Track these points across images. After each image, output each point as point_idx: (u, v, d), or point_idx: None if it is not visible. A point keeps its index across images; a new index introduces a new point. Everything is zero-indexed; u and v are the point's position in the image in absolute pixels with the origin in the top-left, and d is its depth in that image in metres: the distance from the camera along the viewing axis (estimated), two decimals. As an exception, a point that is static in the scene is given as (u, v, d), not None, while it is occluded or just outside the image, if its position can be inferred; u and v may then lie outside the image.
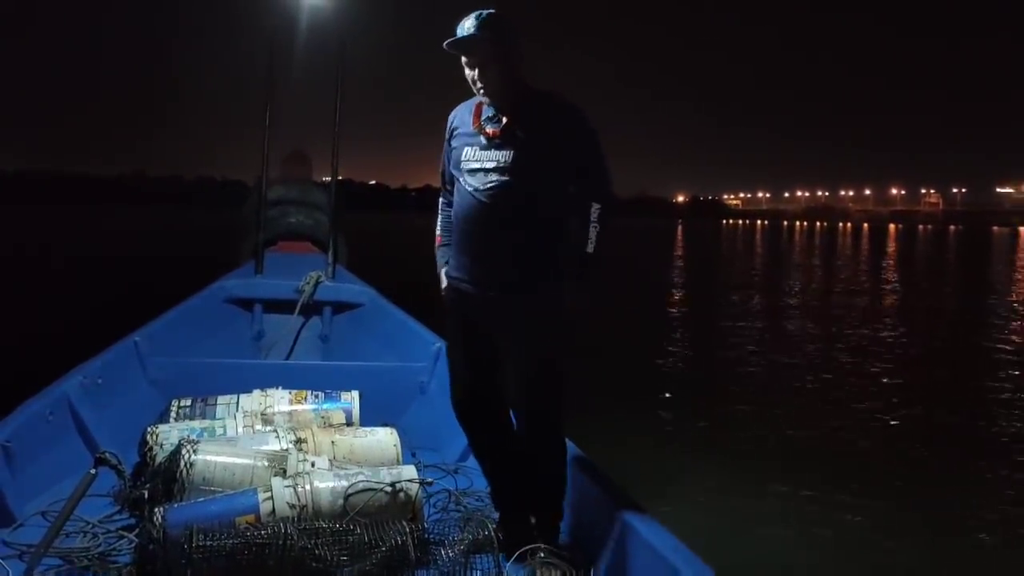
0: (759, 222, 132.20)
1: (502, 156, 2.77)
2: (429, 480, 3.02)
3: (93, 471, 2.99)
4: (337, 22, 6.00)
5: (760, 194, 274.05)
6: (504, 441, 2.99)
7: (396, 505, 2.80)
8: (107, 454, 3.11)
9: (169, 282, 7.51)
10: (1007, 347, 12.09)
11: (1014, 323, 14.96)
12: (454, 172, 2.92)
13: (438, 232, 3.11)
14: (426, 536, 2.73)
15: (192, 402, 3.67)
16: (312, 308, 5.38)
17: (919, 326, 14.29)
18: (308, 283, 5.34)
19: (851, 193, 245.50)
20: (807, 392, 8.67)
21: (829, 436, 6.94)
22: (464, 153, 2.87)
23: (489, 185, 2.78)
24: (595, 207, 2.76)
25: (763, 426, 7.17)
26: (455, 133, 2.95)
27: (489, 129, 2.82)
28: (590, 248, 2.75)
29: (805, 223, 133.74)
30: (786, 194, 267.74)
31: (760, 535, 4.70)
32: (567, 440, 3.00)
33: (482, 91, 2.83)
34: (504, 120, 2.80)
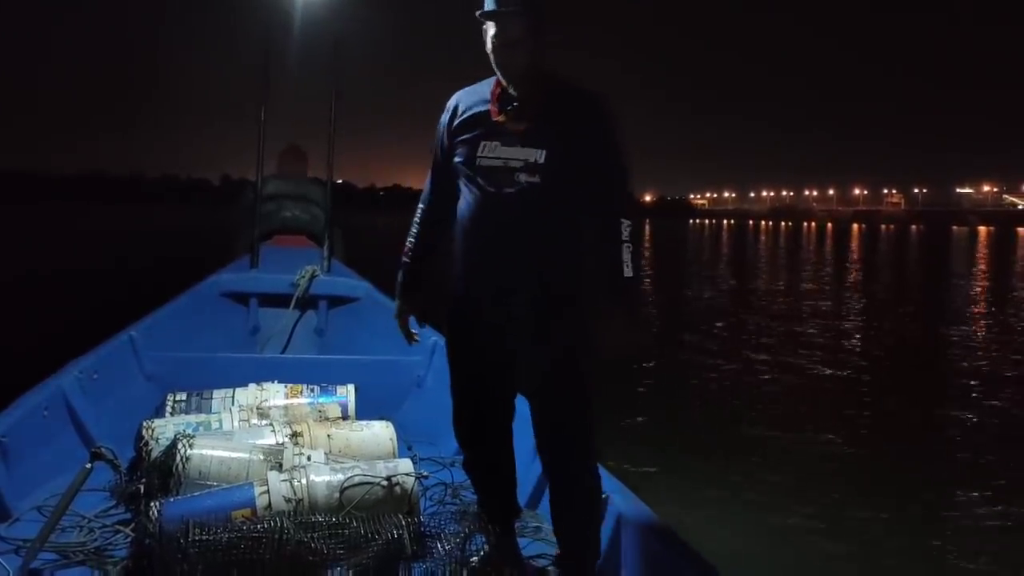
0: (725, 222, 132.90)
1: (532, 154, 2.31)
2: (425, 474, 2.92)
3: (89, 466, 2.91)
4: (331, 20, 5.89)
5: (726, 194, 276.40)
6: (504, 462, 2.66)
7: (392, 499, 2.70)
8: (103, 449, 3.03)
9: (156, 280, 7.39)
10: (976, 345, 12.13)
11: (981, 322, 15.03)
12: (462, 169, 2.41)
13: (409, 243, 2.62)
14: (422, 529, 2.62)
15: (188, 396, 3.55)
16: (308, 302, 5.26)
17: (898, 328, 14.31)
18: (303, 277, 5.22)
19: (815, 193, 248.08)
20: (802, 391, 8.60)
21: (828, 433, 6.88)
22: (481, 148, 2.36)
23: (517, 187, 2.31)
24: (625, 223, 2.31)
25: (764, 424, 7.11)
26: (461, 122, 2.44)
27: (515, 120, 2.35)
28: (628, 271, 2.30)
29: (770, 223, 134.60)
30: (752, 194, 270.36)
31: (763, 533, 4.63)
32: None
33: (506, 73, 2.35)
34: (534, 111, 2.34)
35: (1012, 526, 4.99)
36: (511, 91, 2.37)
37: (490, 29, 2.34)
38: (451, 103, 2.48)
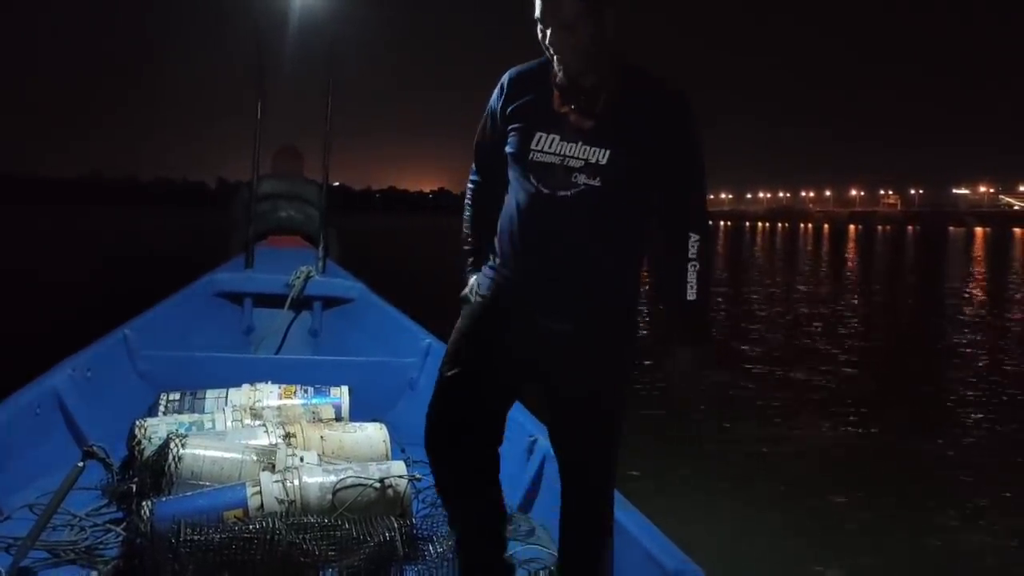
0: (722, 223, 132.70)
1: (595, 154, 2.03)
2: (418, 476, 2.90)
3: (81, 464, 2.90)
4: (329, 20, 5.88)
5: (723, 195, 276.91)
6: (483, 486, 2.33)
7: (385, 501, 2.70)
8: (95, 447, 3.02)
9: (150, 279, 7.35)
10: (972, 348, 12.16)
11: (977, 323, 15.05)
12: (512, 161, 2.14)
13: (466, 229, 2.38)
14: (414, 532, 2.61)
15: (181, 396, 3.54)
16: (302, 303, 5.25)
17: (896, 328, 14.32)
18: (298, 278, 5.21)
19: (812, 194, 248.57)
20: (795, 392, 8.55)
21: (819, 435, 6.87)
22: (536, 140, 2.07)
23: (574, 190, 2.04)
24: (693, 239, 2.07)
25: (758, 426, 7.09)
26: (517, 106, 2.14)
27: (578, 113, 2.05)
28: (691, 295, 2.07)
29: (767, 224, 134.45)
30: (748, 195, 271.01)
31: (750, 535, 4.61)
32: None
33: (561, 61, 2.04)
34: (600, 104, 2.05)
35: (1011, 527, 4.98)
36: (574, 80, 2.06)
37: (536, 9, 2.02)
38: (504, 80, 2.19)
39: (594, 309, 2.12)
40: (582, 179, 2.03)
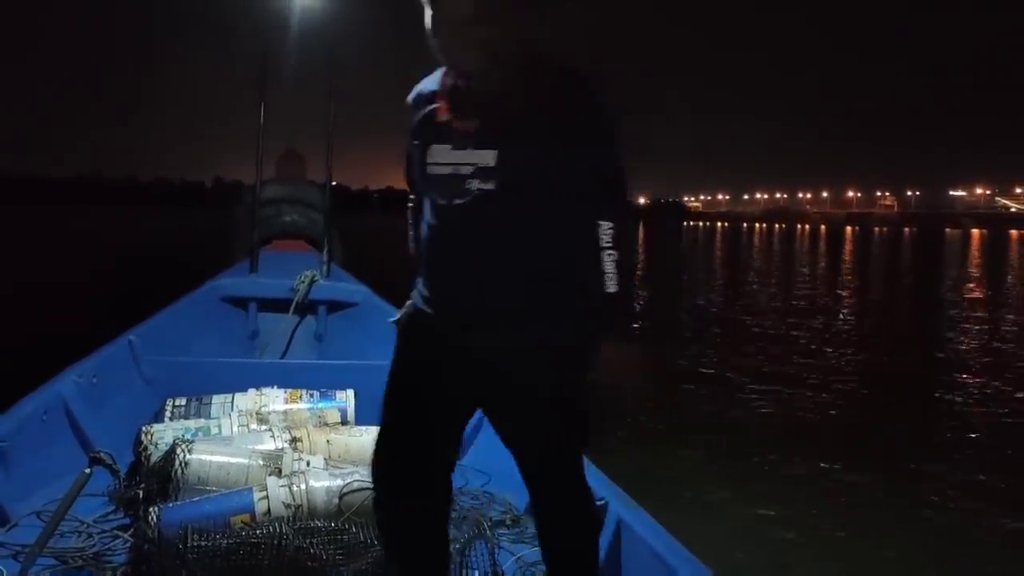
0: (719, 224, 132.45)
1: (483, 157, 1.90)
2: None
3: (88, 471, 2.87)
4: (328, 21, 5.89)
5: (720, 196, 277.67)
6: (435, 516, 2.16)
7: (391, 505, 2.69)
8: (102, 453, 2.99)
9: (154, 283, 7.33)
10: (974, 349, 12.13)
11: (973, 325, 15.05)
12: (417, 179, 2.06)
13: (412, 248, 2.24)
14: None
15: (187, 401, 3.53)
16: (307, 307, 5.25)
17: (895, 329, 14.31)
18: (303, 282, 5.21)
19: (809, 195, 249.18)
20: (800, 389, 8.52)
21: (827, 436, 6.84)
22: (430, 153, 1.97)
23: (469, 197, 1.91)
24: (605, 227, 1.92)
25: (761, 423, 7.08)
26: (415, 124, 2.04)
27: (464, 119, 1.94)
28: (611, 287, 1.92)
29: (764, 225, 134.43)
30: (745, 196, 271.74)
31: (758, 535, 4.60)
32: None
33: (452, 65, 1.96)
34: (487, 106, 1.93)
35: (1013, 527, 4.97)
36: (459, 86, 1.96)
37: (427, 10, 1.91)
38: (409, 100, 2.08)
39: (518, 314, 1.96)
40: (475, 184, 1.91)
